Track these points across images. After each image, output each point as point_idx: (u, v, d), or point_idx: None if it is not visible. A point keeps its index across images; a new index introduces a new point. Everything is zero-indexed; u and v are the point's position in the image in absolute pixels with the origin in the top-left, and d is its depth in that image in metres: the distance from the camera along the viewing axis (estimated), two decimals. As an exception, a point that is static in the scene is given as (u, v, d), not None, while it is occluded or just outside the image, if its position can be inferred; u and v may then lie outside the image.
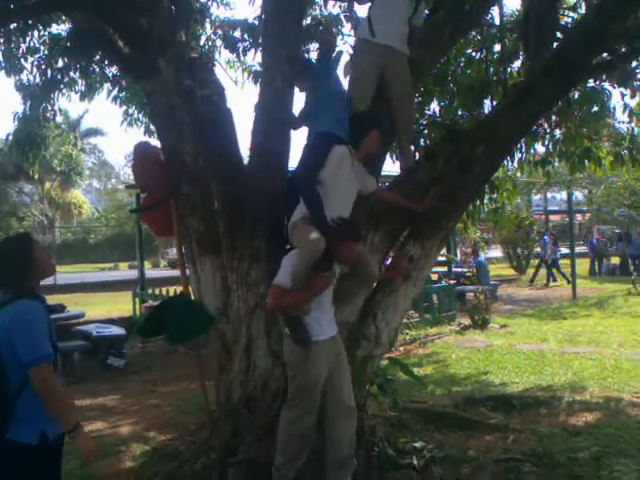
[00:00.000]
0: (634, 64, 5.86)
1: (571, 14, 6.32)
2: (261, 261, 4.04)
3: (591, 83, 6.08)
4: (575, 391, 6.16)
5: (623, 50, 5.27)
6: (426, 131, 6.01)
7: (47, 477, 2.63)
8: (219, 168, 4.22)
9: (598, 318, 11.21)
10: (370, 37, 3.86)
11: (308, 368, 3.43)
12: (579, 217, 28.83)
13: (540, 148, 6.88)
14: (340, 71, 5.24)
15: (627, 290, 14.52)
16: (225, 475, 3.83)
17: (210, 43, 7.03)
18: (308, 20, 5.78)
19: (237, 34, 6.36)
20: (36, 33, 6.01)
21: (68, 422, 2.53)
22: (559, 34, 5.28)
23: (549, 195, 21.35)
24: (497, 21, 6.08)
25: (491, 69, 6.16)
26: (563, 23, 6.00)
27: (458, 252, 17.03)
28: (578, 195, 22.64)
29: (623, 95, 6.21)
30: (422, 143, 5.86)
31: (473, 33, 6.19)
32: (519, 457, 4.34)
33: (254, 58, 6.31)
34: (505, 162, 6.21)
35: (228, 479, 3.81)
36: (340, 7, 6.37)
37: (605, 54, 4.83)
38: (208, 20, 7.17)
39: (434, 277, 12.66)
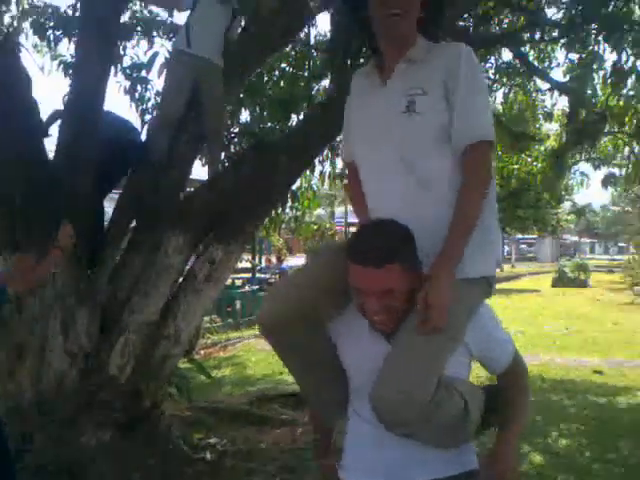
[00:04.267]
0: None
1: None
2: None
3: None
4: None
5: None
6: (236, 139, 6.25)
7: None
8: (21, 161, 4.04)
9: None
10: (186, 47, 3.97)
11: None
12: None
13: (340, 162, 7.49)
14: (154, 71, 5.29)
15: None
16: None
17: (15, 24, 6.60)
18: (127, 17, 5.70)
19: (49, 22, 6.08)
20: None
21: None
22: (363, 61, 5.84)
23: (350, 208, 22.78)
24: (310, 39, 6.53)
25: (301, 84, 6.59)
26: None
27: (263, 259, 17.52)
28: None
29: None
30: (232, 150, 6.08)
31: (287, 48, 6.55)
32: (304, 447, 4.72)
33: (68, 48, 6.07)
34: (307, 172, 6.67)
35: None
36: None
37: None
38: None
39: (238, 282, 12.94)
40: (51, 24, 5.87)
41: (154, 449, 3.97)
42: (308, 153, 4.49)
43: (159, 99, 6.05)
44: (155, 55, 5.32)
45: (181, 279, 4.28)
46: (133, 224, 4.38)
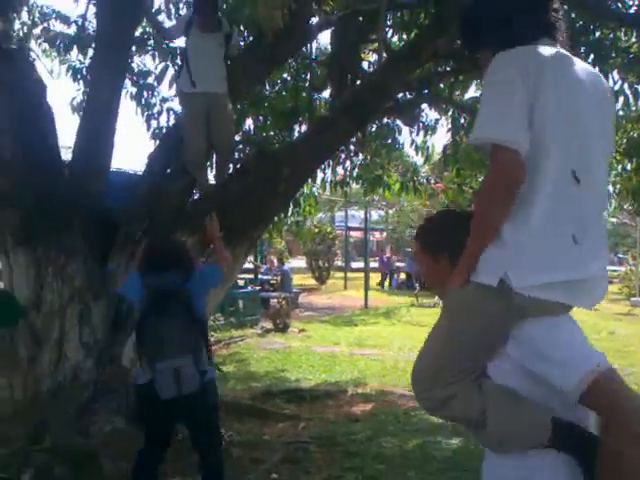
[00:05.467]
0: (421, 107, 6.96)
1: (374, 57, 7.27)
2: (77, 256, 4.24)
3: (386, 119, 7.07)
4: (358, 386, 7.02)
5: (411, 96, 6.28)
6: (240, 146, 6.53)
7: None
8: (37, 163, 4.32)
9: (384, 325, 12.55)
10: (191, 89, 4.20)
11: None
12: (377, 235, 31.31)
13: (341, 171, 7.79)
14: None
15: (411, 302, 16.31)
16: (29, 461, 3.94)
17: (26, 30, 6.88)
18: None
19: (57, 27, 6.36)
20: None
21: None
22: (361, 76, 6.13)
23: (350, 213, 23.04)
24: (311, 52, 6.81)
25: (303, 94, 6.88)
26: (366, 64, 6.90)
27: (265, 260, 17.81)
28: (375, 215, 24.78)
29: (411, 132, 7.32)
30: (237, 156, 6.36)
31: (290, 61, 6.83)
32: (307, 440, 4.99)
33: (77, 56, 6.34)
34: (309, 180, 6.95)
35: (32, 465, 3.92)
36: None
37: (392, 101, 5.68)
38: (26, 8, 6.99)
39: (240, 283, 13.21)
40: (59, 32, 6.12)
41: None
42: (311, 165, 4.78)
43: (165, 105, 6.35)
44: (166, 68, 5.60)
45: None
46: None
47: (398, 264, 24.19)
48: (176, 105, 6.15)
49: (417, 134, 7.34)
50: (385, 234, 30.39)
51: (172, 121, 6.19)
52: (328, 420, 5.64)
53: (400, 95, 6.01)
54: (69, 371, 4.20)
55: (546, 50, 1.65)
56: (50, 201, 4.28)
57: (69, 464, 3.86)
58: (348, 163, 7.55)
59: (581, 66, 1.73)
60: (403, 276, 23.00)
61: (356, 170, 7.50)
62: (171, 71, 5.59)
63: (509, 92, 1.58)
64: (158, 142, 5.43)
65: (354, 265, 26.34)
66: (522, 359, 1.62)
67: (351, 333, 11.27)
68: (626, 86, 5.42)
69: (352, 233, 25.76)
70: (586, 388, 1.53)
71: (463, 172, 7.59)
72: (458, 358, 1.67)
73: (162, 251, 3.44)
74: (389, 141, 7.36)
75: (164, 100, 6.43)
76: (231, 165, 4.86)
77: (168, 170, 4.62)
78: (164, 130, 6.11)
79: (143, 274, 3.36)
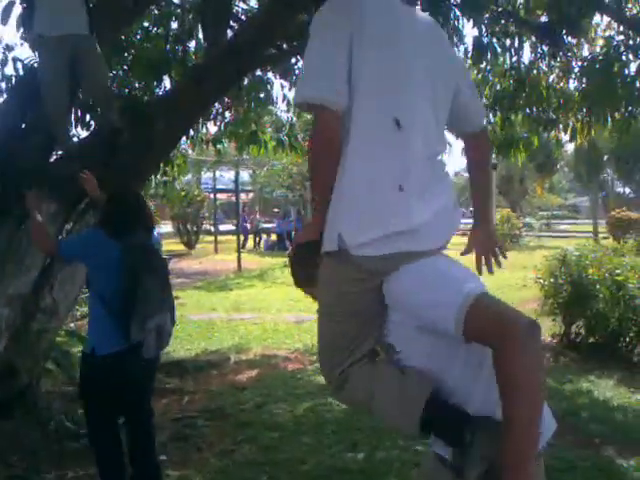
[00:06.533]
0: (294, 60, 6.68)
1: (242, 5, 6.85)
2: None
3: (259, 72, 6.72)
4: (241, 352, 6.81)
5: (285, 47, 5.97)
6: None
7: None
8: None
9: (260, 288, 12.38)
10: (48, 32, 3.60)
11: None
12: (244, 196, 30.94)
13: (212, 128, 7.35)
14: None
15: (283, 262, 16.25)
16: None
17: None
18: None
19: None
20: None
21: None
22: (233, 22, 5.72)
23: (218, 174, 22.44)
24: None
25: (167, 46, 6.32)
26: (235, 11, 6.46)
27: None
28: (244, 175, 24.37)
29: (282, 86, 7.04)
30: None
31: (152, 7, 6.23)
32: (194, 414, 4.71)
33: None
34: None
35: None
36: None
37: (272, 49, 5.38)
38: None
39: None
40: None
41: (34, 427, 3.79)
42: (188, 118, 4.39)
43: (10, 55, 5.54)
44: (11, 5, 4.81)
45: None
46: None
47: (265, 225, 24.08)
48: (24, 53, 5.40)
49: (290, 88, 7.08)
50: (252, 195, 30.08)
51: (21, 71, 5.42)
52: (214, 391, 5.39)
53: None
54: None
55: None
56: None
57: None
58: (219, 119, 7.13)
59: (410, 9, 1.70)
60: (274, 237, 22.95)
61: (229, 127, 7.09)
62: (18, 9, 4.81)
63: (327, 43, 1.54)
64: (6, 96, 4.73)
65: (222, 228, 25.88)
66: (404, 319, 1.56)
67: (227, 298, 10.99)
68: (495, 40, 5.51)
69: (219, 195, 25.19)
70: (464, 320, 1.42)
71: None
72: (341, 334, 1.61)
73: (135, 209, 3.19)
74: (262, 95, 7.02)
75: (8, 48, 5.61)
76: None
77: (22, 126, 4.02)
78: (13, 81, 5.35)
79: (116, 234, 3.00)
